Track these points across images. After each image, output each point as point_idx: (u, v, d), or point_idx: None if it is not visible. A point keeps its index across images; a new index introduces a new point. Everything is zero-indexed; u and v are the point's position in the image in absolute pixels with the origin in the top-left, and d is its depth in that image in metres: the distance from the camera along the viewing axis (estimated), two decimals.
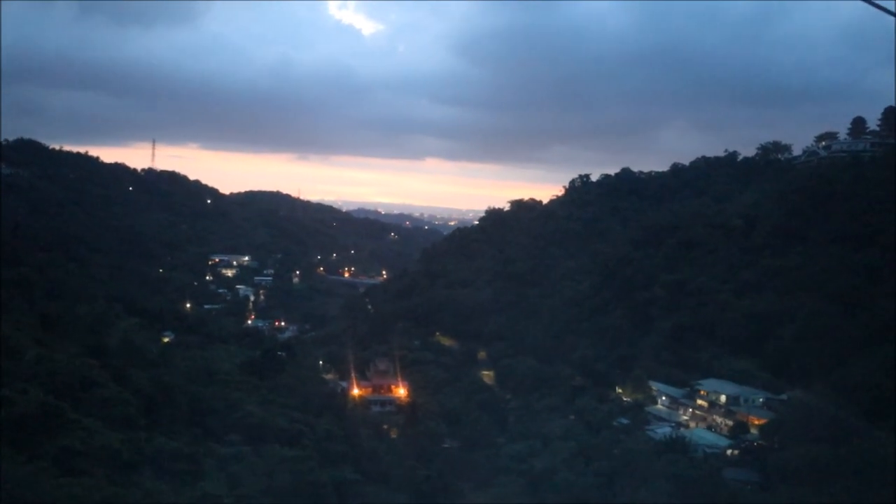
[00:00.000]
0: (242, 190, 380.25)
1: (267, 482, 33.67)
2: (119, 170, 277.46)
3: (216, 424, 44.80)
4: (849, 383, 74.38)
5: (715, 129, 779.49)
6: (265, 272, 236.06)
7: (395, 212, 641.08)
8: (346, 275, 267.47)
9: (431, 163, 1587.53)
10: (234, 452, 37.59)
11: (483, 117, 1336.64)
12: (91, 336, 53.22)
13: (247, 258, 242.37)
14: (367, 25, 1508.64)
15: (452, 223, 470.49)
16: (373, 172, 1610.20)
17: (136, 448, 30.02)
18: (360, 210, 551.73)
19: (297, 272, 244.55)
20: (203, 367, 75.62)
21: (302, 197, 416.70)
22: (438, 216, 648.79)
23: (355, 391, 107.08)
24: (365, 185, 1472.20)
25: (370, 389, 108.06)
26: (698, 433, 77.20)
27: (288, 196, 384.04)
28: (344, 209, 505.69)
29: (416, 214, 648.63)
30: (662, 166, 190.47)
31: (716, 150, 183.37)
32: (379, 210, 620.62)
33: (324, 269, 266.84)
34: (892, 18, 12.02)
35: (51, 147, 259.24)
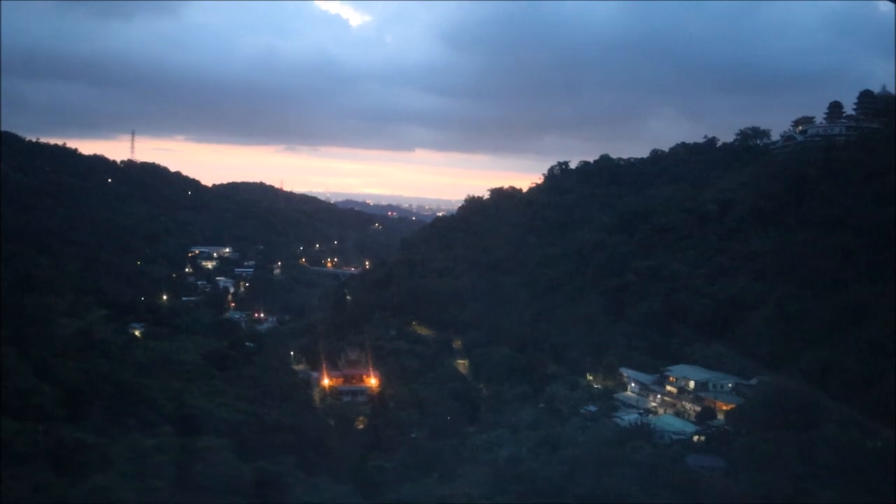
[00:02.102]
0: (227, 182, 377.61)
1: (179, 474, 32.27)
2: (98, 162, 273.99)
3: (151, 415, 43.32)
4: (819, 367, 73.71)
5: (703, 117, 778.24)
6: (246, 263, 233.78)
7: (384, 202, 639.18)
8: (329, 265, 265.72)
9: (421, 153, 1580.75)
10: (158, 444, 36.21)
11: (472, 107, 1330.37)
12: (24, 327, 51.30)
13: (227, 250, 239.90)
14: (354, 16, 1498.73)
15: (441, 213, 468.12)
16: (361, 163, 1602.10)
17: (32, 440, 28.57)
18: (348, 201, 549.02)
19: (279, 263, 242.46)
20: (161, 359, 74.21)
21: (289, 188, 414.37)
22: (427, 206, 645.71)
23: (326, 382, 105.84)
24: (353, 175, 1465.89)
25: (341, 380, 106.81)
26: (666, 419, 76.37)
27: (271, 187, 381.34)
28: (332, 200, 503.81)
29: (405, 205, 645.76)
30: (647, 154, 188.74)
31: (701, 137, 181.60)
32: (367, 201, 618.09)
33: (306, 260, 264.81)
34: (891, 4, 10.54)
35: (27, 139, 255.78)
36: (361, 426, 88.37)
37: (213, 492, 32.05)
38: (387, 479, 53.69)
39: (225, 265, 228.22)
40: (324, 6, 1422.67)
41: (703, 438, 70.89)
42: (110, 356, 64.90)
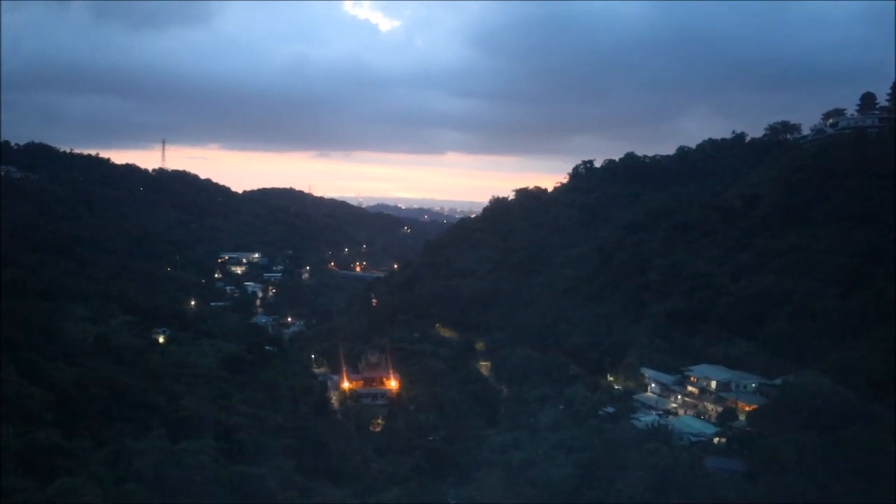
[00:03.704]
0: (258, 188, 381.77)
1: (156, 476, 31.90)
2: (130, 171, 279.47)
3: (150, 419, 43.19)
4: (845, 366, 70.99)
5: (737, 115, 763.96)
6: (275, 268, 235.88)
7: (416, 206, 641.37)
8: (358, 269, 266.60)
9: (452, 157, 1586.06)
10: (144, 447, 35.83)
11: (502, 110, 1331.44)
12: (18, 332, 51.24)
13: (257, 255, 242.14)
14: (383, 22, 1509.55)
15: (473, 216, 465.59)
16: (393, 168, 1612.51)
17: (2, 443, 28.34)
18: (380, 205, 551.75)
19: (307, 268, 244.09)
20: (174, 363, 74.47)
21: (322, 194, 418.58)
22: (459, 209, 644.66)
23: (346, 385, 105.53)
24: (385, 180, 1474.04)
25: (361, 382, 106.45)
26: (686, 421, 74.27)
27: (301, 192, 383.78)
28: (364, 205, 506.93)
29: (437, 209, 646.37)
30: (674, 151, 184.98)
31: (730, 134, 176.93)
32: (399, 205, 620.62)
33: (335, 264, 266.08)
34: None
35: (61, 150, 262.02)
36: (378, 429, 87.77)
37: (187, 494, 31.63)
38: (389, 482, 52.94)
39: (254, 270, 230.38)
40: (353, 12, 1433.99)
41: (723, 440, 68.66)
42: (123, 362, 65.16)
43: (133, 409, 43.35)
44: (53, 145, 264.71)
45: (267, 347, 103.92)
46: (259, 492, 35.30)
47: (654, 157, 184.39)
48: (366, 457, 58.49)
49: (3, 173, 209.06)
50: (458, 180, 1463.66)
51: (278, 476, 40.95)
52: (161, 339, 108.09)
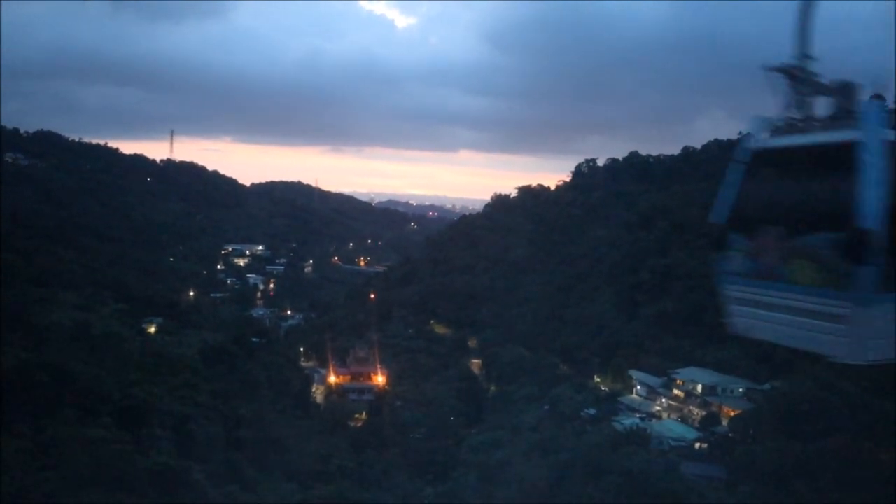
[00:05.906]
0: (266, 181, 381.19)
1: (70, 465, 30.87)
2: (137, 161, 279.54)
3: (99, 407, 42.24)
4: (837, 372, 68.90)
5: (751, 117, 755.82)
6: (278, 261, 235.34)
7: (427, 203, 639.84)
8: (362, 264, 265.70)
9: (465, 154, 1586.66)
10: (60, 434, 34.68)
11: (516, 108, 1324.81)
12: None
13: (260, 247, 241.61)
14: (398, 18, 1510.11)
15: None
16: (406, 164, 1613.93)
17: None
18: (391, 201, 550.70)
19: (311, 261, 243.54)
20: (155, 352, 73.52)
21: (334, 189, 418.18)
22: (470, 207, 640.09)
23: (332, 379, 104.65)
24: (398, 176, 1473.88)
25: (348, 377, 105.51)
26: (668, 425, 72.80)
27: (308, 186, 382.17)
28: (375, 201, 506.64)
29: (448, 206, 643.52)
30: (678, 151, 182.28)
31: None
32: (410, 202, 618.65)
33: (339, 259, 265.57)
34: None
35: (70, 139, 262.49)
36: (359, 424, 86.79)
37: (98, 484, 30.59)
38: (347, 476, 51.81)
39: (256, 263, 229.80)
40: (368, 7, 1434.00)
41: (704, 446, 67.14)
42: (96, 349, 64.12)
43: (81, 396, 42.48)
44: (64, 134, 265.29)
45: (254, 339, 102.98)
46: (183, 484, 34.30)
47: (659, 156, 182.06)
48: (329, 452, 57.36)
49: (10, 160, 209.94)
50: (471, 178, 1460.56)
51: (223, 468, 40.04)
52: (152, 329, 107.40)
